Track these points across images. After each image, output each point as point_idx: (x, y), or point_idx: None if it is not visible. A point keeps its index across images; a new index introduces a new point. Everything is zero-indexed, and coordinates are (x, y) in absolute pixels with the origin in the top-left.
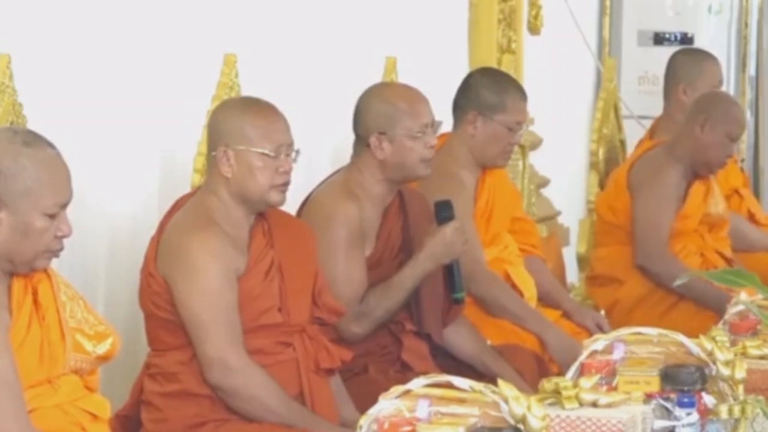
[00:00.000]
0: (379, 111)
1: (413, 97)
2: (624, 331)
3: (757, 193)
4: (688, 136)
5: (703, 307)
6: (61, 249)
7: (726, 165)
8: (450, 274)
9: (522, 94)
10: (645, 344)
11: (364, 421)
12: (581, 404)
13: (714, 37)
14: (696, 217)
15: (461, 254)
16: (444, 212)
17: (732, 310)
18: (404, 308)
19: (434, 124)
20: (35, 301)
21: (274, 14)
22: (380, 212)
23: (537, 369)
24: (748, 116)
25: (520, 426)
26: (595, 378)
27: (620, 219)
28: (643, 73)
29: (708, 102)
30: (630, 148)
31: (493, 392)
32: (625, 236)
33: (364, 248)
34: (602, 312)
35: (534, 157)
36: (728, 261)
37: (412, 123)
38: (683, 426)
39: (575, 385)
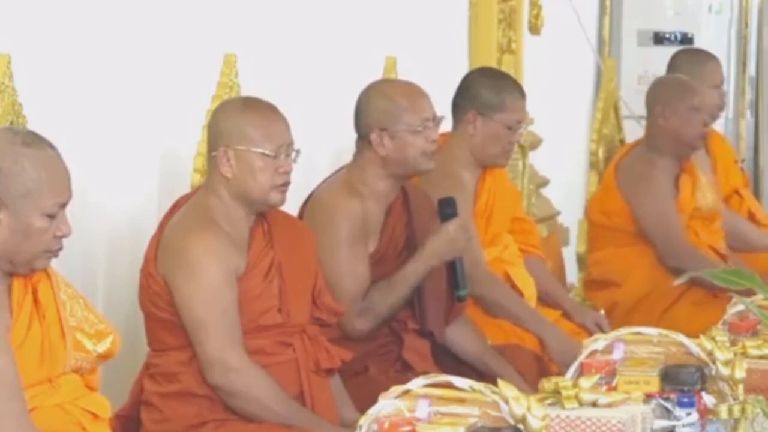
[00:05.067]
0: (379, 107)
1: (413, 93)
2: (624, 331)
3: (757, 193)
4: (657, 130)
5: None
6: (61, 249)
7: (707, 135)
8: (453, 271)
9: (521, 93)
10: (645, 344)
11: (364, 421)
12: (581, 404)
13: (714, 37)
14: (686, 212)
15: (464, 251)
16: (447, 209)
17: (732, 310)
18: (407, 306)
19: (435, 119)
20: (35, 300)
21: (274, 14)
22: (384, 209)
23: (537, 369)
24: (748, 116)
25: (520, 426)
26: (595, 378)
27: (614, 221)
28: (643, 73)
29: (656, 90)
30: None
31: (493, 392)
32: (619, 238)
33: (368, 244)
34: (602, 312)
35: (534, 157)
36: (722, 257)
37: (412, 118)
38: (683, 426)
39: (575, 385)
